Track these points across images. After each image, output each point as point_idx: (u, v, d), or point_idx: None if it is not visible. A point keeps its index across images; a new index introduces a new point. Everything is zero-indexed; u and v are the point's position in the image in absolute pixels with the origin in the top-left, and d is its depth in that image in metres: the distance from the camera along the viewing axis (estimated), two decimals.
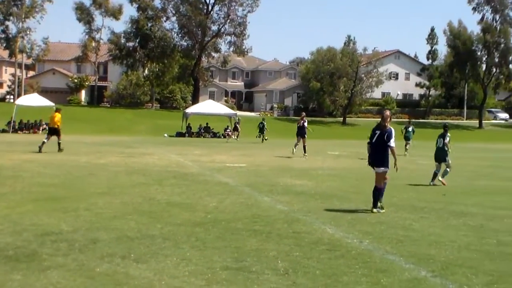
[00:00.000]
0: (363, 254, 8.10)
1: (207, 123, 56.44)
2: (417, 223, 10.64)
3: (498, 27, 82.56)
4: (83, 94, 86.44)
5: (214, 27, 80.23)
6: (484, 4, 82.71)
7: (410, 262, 7.70)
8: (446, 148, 18.11)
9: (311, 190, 15.29)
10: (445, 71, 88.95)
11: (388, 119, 12.17)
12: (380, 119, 12.40)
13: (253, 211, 11.52)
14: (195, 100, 75.65)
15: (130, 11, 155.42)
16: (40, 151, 25.14)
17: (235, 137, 50.00)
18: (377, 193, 12.04)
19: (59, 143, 26.14)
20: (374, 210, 11.89)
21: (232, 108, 73.88)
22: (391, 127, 12.15)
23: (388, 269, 7.31)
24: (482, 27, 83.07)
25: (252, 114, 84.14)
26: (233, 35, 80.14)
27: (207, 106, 57.24)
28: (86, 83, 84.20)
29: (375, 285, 6.63)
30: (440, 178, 17.74)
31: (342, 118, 79.69)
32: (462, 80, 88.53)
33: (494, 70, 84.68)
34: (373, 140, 12.16)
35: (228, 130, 55.56)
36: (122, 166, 20.12)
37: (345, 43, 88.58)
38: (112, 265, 7.19)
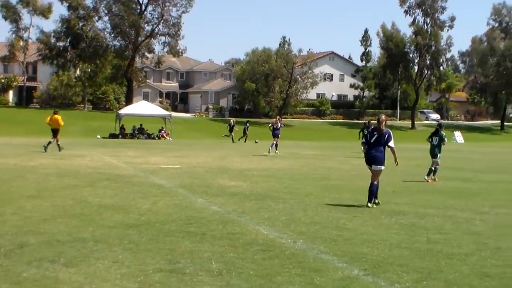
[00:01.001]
0: (297, 254, 8.13)
1: (141, 124, 55.83)
2: (350, 223, 10.76)
3: (429, 30, 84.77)
4: (10, 95, 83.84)
5: (148, 28, 79.55)
6: (415, 7, 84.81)
7: (343, 261, 7.77)
8: (442, 145, 19.93)
9: (246, 191, 15.29)
10: (379, 73, 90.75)
11: (384, 123, 13.15)
12: (376, 122, 13.44)
13: (188, 212, 11.43)
14: (128, 101, 74.65)
15: (60, 10, 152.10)
16: (45, 151, 27.75)
17: (244, 140, 51.05)
18: (374, 189, 12.94)
19: (58, 144, 28.73)
20: (369, 204, 12.78)
21: (166, 109, 73.37)
22: (388, 129, 13.16)
23: (322, 268, 7.36)
24: (414, 30, 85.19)
25: (188, 115, 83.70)
26: (167, 36, 79.55)
27: (141, 107, 56.65)
28: (14, 84, 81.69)
29: (309, 285, 6.67)
30: (426, 177, 19.17)
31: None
32: (395, 82, 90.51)
33: (426, 72, 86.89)
34: (371, 141, 13.06)
35: (163, 132, 55.16)
36: (53, 168, 19.65)
37: (280, 44, 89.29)
38: (40, 270, 6.99)
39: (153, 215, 11.02)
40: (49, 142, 28.65)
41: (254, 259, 7.76)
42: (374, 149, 13.01)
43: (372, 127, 13.73)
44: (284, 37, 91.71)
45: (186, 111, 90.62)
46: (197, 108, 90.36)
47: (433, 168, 19.54)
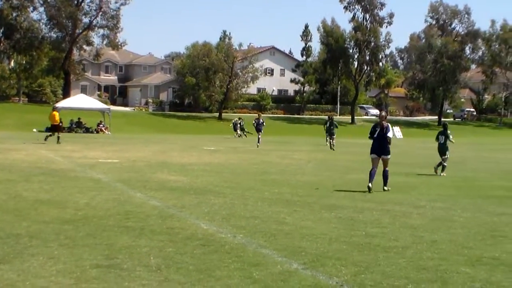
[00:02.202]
0: (236, 248, 8.10)
1: (79, 118, 54.90)
2: (290, 217, 10.80)
3: (369, 26, 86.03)
4: None
5: (86, 20, 77.96)
6: (355, 3, 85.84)
7: (282, 255, 7.78)
8: (449, 142, 21.50)
9: (186, 185, 15.19)
10: (319, 68, 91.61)
11: (384, 118, 15.63)
12: (378, 118, 16.02)
13: (126, 207, 11.27)
14: (66, 94, 73.11)
15: None
16: (45, 140, 31.52)
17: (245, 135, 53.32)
18: (386, 174, 15.29)
19: (58, 137, 32.24)
20: (385, 188, 15.16)
21: (105, 102, 72.27)
22: (388, 124, 15.39)
23: (261, 262, 7.35)
24: (354, 25, 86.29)
25: (127, 109, 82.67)
26: (106, 28, 78.23)
27: (79, 101, 55.62)
28: None
29: (248, 279, 6.65)
30: (442, 173, 20.86)
31: (218, 114, 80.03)
32: (335, 77, 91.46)
33: (365, 67, 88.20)
34: (375, 135, 15.25)
35: (101, 126, 54.35)
36: None
37: (220, 39, 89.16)
38: None
39: (90, 210, 10.81)
40: (57, 137, 32.45)
41: (193, 254, 7.69)
42: (380, 142, 15.19)
43: (376, 122, 16.01)
44: (224, 31, 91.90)
45: (126, 105, 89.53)
46: (137, 102, 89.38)
47: (445, 164, 21.10)
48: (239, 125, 54.59)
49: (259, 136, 38.04)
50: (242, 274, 6.82)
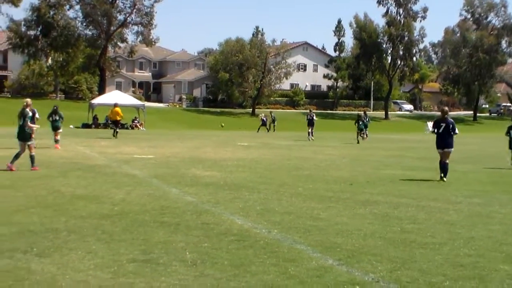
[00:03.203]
0: (271, 244, 8.12)
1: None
2: (325, 213, 10.78)
3: (402, 21, 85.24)
4: None
5: (120, 17, 78.86)
6: None
7: (317, 251, 7.78)
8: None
9: (220, 181, 15.25)
10: (352, 63, 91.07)
11: (446, 114, 16.91)
12: (441, 114, 17.15)
13: (161, 202, 11.37)
14: (101, 91, 73.98)
15: None
16: (115, 136, 35.18)
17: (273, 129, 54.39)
18: (446, 166, 16.50)
19: (117, 132, 35.97)
20: (444, 179, 16.28)
21: (140, 99, 72.80)
22: (451, 119, 16.82)
23: (296, 258, 7.36)
24: (387, 20, 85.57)
25: (161, 105, 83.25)
26: (140, 25, 78.96)
27: (114, 97, 56.03)
28: None
29: (283, 274, 6.66)
30: None
31: (251, 109, 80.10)
32: (368, 72, 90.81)
33: (399, 62, 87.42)
34: (440, 130, 16.62)
35: (136, 122, 54.84)
36: (25, 158, 19.36)
37: (253, 34, 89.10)
38: (12, 261, 6.91)
39: (126, 205, 10.94)
40: (115, 131, 35.99)
41: (228, 249, 7.74)
42: (445, 136, 16.57)
43: (437, 118, 17.33)
44: (257, 27, 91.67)
45: (159, 101, 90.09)
46: (171, 98, 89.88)
47: None
48: (266, 120, 55.49)
49: (311, 130, 40.25)
50: (277, 269, 6.84)
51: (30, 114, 16.74)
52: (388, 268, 7.01)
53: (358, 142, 37.83)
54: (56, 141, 25.61)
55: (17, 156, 16.51)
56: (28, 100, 17.52)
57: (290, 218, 10.10)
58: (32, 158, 16.54)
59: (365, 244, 8.21)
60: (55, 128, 25.96)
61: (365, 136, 39.99)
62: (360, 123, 40.00)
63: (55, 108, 26.98)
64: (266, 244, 8.09)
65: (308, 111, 45.45)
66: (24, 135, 16.61)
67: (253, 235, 8.63)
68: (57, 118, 26.22)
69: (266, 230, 9.07)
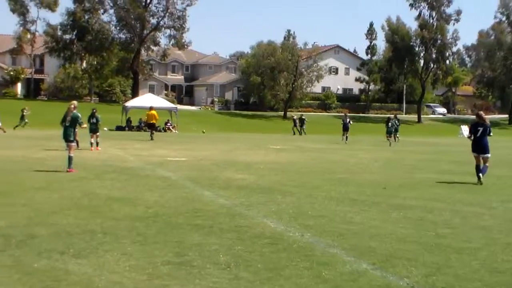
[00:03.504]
0: (304, 247, 8.11)
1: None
2: (358, 216, 10.73)
3: (435, 24, 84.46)
4: (19, 87, 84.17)
5: (153, 20, 79.71)
6: (421, 0, 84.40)
7: (351, 255, 7.74)
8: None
9: (253, 184, 15.27)
10: (384, 66, 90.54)
11: (483, 118, 16.91)
12: (477, 118, 17.19)
13: (195, 205, 11.43)
14: (134, 94, 74.72)
15: (66, 2, 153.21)
16: (152, 138, 35.74)
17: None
18: (485, 169, 16.49)
19: (153, 133, 36.82)
20: (482, 180, 16.22)
21: (172, 102, 73.34)
22: (488, 123, 16.91)
23: (330, 262, 7.34)
24: (419, 23, 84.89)
25: (193, 108, 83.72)
26: (172, 29, 79.61)
27: (147, 100, 56.57)
28: (22, 76, 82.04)
29: (317, 278, 6.65)
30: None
31: (283, 112, 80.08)
32: (400, 75, 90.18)
33: (432, 65, 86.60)
34: (478, 134, 16.64)
35: (169, 124, 55.21)
36: (61, 160, 19.65)
37: (285, 38, 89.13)
38: (50, 261, 7.01)
39: (160, 208, 11.02)
40: (152, 134, 36.68)
41: (262, 252, 7.75)
42: (482, 140, 16.62)
43: (473, 122, 17.37)
44: (289, 31, 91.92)
45: (192, 104, 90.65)
46: (203, 101, 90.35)
47: None
48: (298, 122, 55.96)
49: (347, 135, 40.82)
50: (311, 273, 6.83)
51: (80, 115, 17.35)
52: (423, 273, 6.95)
53: (390, 145, 38.12)
54: (97, 143, 26.13)
55: (68, 159, 17.02)
56: (75, 102, 18.22)
57: (323, 222, 10.07)
58: (70, 159, 16.85)
59: (399, 249, 8.15)
60: (93, 131, 26.35)
61: (394, 139, 40.33)
62: (390, 125, 40.34)
63: (94, 111, 27.38)
64: (300, 247, 8.09)
65: (343, 115, 45.44)
66: (69, 135, 17.22)
67: (286, 238, 8.63)
68: (95, 121, 26.62)
69: (299, 233, 9.06)
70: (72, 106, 17.87)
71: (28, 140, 30.98)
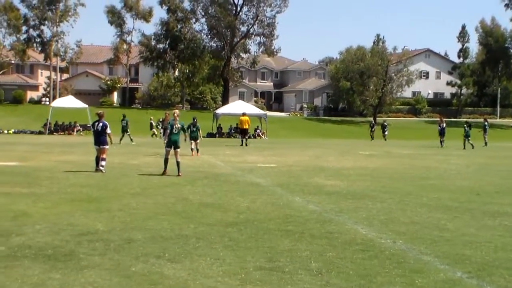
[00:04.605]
0: (397, 254, 8.05)
1: (237, 124, 56.51)
2: (451, 223, 10.52)
3: None
4: (115, 96, 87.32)
5: (243, 28, 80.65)
6: None
7: (445, 262, 7.62)
8: None
9: (343, 190, 15.23)
10: (477, 69, 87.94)
11: None
12: None
13: (285, 211, 11.53)
14: (225, 101, 75.91)
15: (160, 13, 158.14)
16: (246, 144, 36.69)
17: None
18: None
19: (246, 139, 37.66)
20: None
21: (262, 108, 73.87)
22: None
23: (423, 269, 7.25)
24: None
25: (282, 114, 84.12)
26: (262, 36, 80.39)
27: (237, 107, 57.28)
28: (118, 85, 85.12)
29: (410, 286, 6.59)
30: None
31: (372, 118, 79.16)
32: (494, 79, 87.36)
33: None
34: None
35: (258, 131, 55.68)
36: (155, 167, 20.26)
37: (374, 42, 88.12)
38: (147, 265, 7.27)
39: (251, 214, 11.18)
40: (245, 140, 37.45)
41: (353, 259, 7.74)
42: None
43: None
44: (378, 35, 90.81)
45: (281, 110, 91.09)
46: (292, 107, 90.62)
47: None
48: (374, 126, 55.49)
49: (442, 139, 40.80)
50: (404, 280, 6.78)
51: (181, 124, 18.61)
52: None
53: (473, 147, 38.22)
54: (197, 150, 26.95)
55: (178, 164, 17.93)
56: (177, 111, 19.09)
57: (416, 229, 9.94)
58: (178, 164, 17.87)
59: (496, 257, 7.94)
60: (193, 138, 27.07)
61: (464, 144, 39.43)
62: (467, 129, 39.97)
63: (194, 120, 28.09)
64: (392, 254, 8.03)
65: (439, 120, 44.44)
66: (175, 143, 18.07)
67: (377, 245, 8.58)
68: (194, 129, 27.36)
69: (390, 240, 8.99)
70: (175, 114, 18.85)
71: (125, 147, 31.97)
